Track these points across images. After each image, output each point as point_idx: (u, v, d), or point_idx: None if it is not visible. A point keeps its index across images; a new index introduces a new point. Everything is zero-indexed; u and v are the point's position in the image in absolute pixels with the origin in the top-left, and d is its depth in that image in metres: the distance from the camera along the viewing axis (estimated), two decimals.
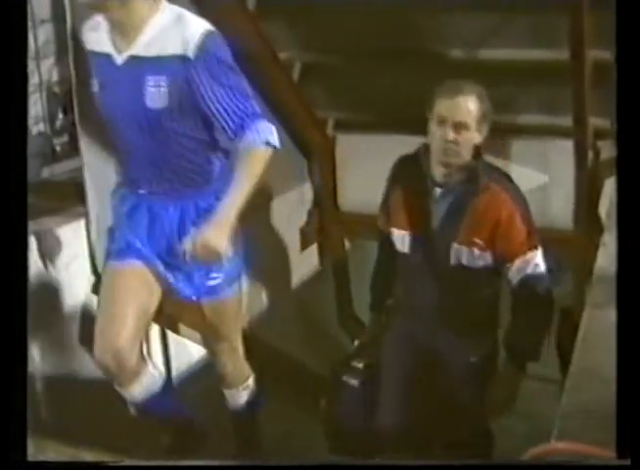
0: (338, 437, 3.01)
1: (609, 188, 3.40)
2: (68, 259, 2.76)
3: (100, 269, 2.81)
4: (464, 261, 2.55)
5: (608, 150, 3.51)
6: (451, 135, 2.43)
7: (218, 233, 2.15)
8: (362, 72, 3.82)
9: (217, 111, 2.20)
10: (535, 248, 2.55)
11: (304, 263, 4.23)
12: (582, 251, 3.38)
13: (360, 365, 2.90)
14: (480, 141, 2.50)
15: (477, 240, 2.52)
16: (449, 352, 2.68)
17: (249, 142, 2.20)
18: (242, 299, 2.71)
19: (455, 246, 2.54)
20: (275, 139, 2.23)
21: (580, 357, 1.45)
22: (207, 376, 3.31)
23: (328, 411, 3.04)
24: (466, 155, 2.49)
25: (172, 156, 2.32)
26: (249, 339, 3.53)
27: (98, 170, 2.80)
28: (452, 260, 2.56)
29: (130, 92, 2.23)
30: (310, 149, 4.17)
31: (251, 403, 2.90)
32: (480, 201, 2.51)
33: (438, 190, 2.56)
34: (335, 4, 3.29)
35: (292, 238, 4.14)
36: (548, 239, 3.88)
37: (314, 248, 4.32)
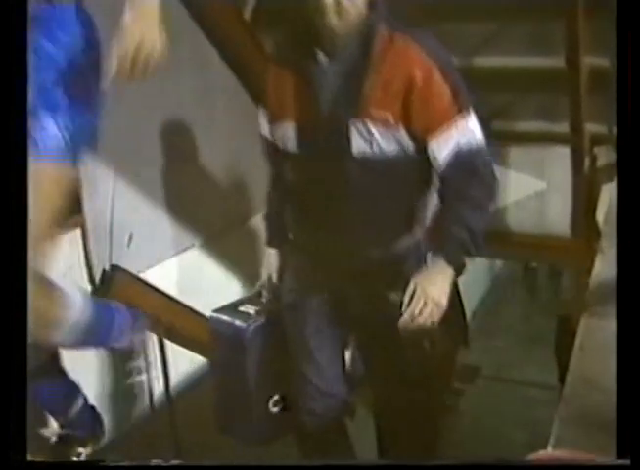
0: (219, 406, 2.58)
1: (606, 194, 3.40)
2: (65, 270, 2.75)
3: (97, 279, 2.81)
4: (370, 146, 1.95)
5: (605, 156, 3.52)
6: None
7: None
8: None
9: None
10: (466, 110, 1.95)
11: None
12: (580, 257, 3.38)
13: (251, 310, 2.38)
14: None
15: (384, 112, 1.92)
16: (363, 281, 2.15)
17: None
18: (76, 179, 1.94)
19: (355, 124, 1.94)
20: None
21: (578, 365, 1.45)
22: (206, 385, 3.32)
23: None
24: (354, 10, 1.91)
25: None
26: None
27: (94, 180, 2.80)
28: (354, 148, 1.96)
29: None
30: None
31: None
32: (384, 58, 1.92)
33: (326, 59, 1.97)
34: None
35: None
36: (546, 246, 3.92)
37: None
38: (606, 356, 1.23)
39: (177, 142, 3.21)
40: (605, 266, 1.88)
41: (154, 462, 1.31)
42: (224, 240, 3.49)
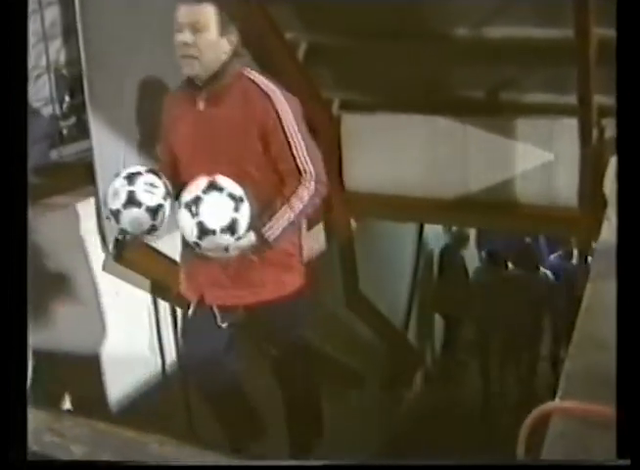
0: None
1: (613, 166, 3.41)
2: (84, 233, 2.81)
3: (110, 247, 2.85)
4: None
5: (612, 128, 3.52)
6: None
7: None
8: (367, 53, 3.83)
9: None
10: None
11: (310, 243, 4.24)
12: (587, 228, 3.40)
13: None
14: None
15: None
16: None
17: None
18: None
19: None
20: None
21: (583, 326, 1.49)
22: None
23: None
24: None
25: None
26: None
27: (107, 151, 2.83)
28: None
29: None
30: (316, 129, 4.18)
31: None
32: None
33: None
34: None
35: None
36: (553, 217, 3.94)
37: (320, 227, 4.34)
38: (610, 316, 1.27)
39: None
40: (611, 233, 1.92)
41: (153, 462, 1.32)
42: None
